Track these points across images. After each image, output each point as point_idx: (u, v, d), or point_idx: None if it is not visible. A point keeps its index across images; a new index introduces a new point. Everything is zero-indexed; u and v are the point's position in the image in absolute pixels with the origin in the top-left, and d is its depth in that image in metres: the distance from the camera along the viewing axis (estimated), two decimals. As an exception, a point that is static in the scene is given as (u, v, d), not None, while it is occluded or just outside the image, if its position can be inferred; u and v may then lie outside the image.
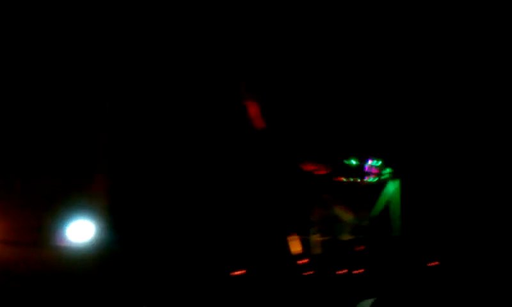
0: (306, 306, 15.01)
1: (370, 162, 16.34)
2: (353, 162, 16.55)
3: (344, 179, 16.55)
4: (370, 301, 11.22)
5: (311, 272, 15.86)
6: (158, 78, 15.27)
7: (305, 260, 15.98)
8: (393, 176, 16.51)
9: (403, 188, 16.38)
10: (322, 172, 16.51)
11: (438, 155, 16.27)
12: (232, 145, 15.89)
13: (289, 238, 16.02)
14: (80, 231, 13.52)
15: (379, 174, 16.50)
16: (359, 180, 16.45)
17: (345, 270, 16.02)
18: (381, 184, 16.67)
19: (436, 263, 15.81)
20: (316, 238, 16.33)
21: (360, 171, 16.54)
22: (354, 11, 16.09)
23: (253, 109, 16.27)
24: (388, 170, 16.53)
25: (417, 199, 16.30)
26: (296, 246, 16.12)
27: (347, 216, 16.34)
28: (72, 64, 14.27)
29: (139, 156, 14.72)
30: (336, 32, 16.33)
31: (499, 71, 15.93)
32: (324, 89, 16.58)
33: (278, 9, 16.24)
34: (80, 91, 14.16)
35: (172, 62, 15.41)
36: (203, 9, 15.58)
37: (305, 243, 16.18)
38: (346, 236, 16.40)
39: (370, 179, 16.51)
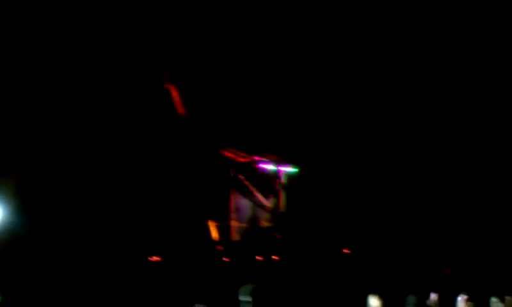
0: (223, 292, 15.14)
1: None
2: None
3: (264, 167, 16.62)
4: (250, 287, 11.30)
5: (228, 259, 15.94)
6: (79, 61, 15.08)
7: (222, 247, 16.06)
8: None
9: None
10: (243, 159, 16.54)
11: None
12: (153, 130, 15.81)
13: (207, 224, 16.08)
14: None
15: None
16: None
17: (262, 257, 16.15)
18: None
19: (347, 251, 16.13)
20: (234, 224, 16.40)
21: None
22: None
23: (175, 95, 16.19)
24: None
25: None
26: (213, 232, 16.18)
27: (266, 203, 16.43)
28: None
29: (50, 141, 14.55)
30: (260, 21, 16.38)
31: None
32: (248, 79, 16.60)
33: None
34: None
35: (95, 48, 15.23)
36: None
37: (223, 230, 16.25)
38: (264, 223, 16.51)
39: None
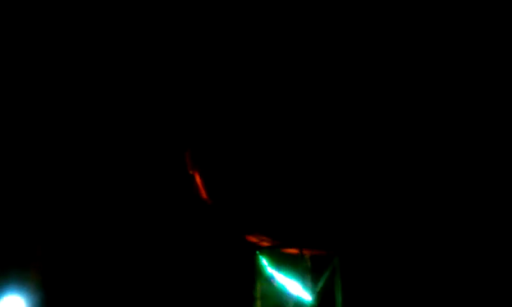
0: None
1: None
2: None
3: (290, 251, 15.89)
4: None
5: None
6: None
7: (248, 337, 15.47)
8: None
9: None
10: (267, 243, 16.01)
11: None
12: (177, 215, 16.15)
13: (231, 311, 15.66)
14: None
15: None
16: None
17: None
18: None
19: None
20: (259, 309, 15.78)
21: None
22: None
23: (199, 180, 16.41)
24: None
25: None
26: (237, 319, 15.67)
27: (293, 290, 15.57)
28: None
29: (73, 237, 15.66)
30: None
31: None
32: (271, 159, 16.25)
33: (219, 86, 16.53)
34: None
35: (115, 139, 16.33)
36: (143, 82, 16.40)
37: (247, 317, 15.68)
38: (290, 308, 15.61)
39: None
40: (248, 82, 16.43)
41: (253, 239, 16.02)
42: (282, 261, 15.88)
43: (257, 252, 15.94)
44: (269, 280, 15.79)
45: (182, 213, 16.22)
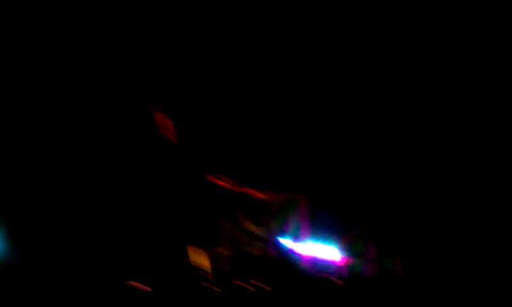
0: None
1: None
2: None
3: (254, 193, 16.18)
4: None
5: (218, 289, 15.59)
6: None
7: (211, 276, 15.71)
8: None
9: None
10: (234, 187, 16.18)
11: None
12: (139, 154, 15.77)
13: (195, 253, 15.78)
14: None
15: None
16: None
17: (253, 287, 15.71)
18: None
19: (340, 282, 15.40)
20: (225, 252, 16.03)
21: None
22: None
23: (163, 120, 16.09)
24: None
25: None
26: (202, 261, 15.86)
27: (257, 230, 15.95)
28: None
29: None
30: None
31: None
32: (241, 101, 16.29)
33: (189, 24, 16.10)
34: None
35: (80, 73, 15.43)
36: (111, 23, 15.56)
37: (213, 258, 15.90)
38: (256, 252, 16.03)
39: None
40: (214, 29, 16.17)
41: (220, 182, 16.11)
42: (248, 205, 16.19)
43: (223, 195, 16.08)
44: (234, 222, 16.06)
45: (145, 152, 15.84)
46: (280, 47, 16.00)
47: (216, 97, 16.18)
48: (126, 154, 15.72)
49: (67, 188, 15.07)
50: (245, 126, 16.24)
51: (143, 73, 15.84)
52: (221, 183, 16.07)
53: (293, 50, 16.06)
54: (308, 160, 16.17)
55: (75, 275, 14.44)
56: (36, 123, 15.12)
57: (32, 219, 14.64)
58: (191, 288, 15.35)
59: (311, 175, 16.18)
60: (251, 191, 16.24)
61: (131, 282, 14.99)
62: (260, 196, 16.17)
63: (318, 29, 15.65)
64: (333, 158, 16.19)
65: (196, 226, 15.80)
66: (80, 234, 14.83)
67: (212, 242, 15.91)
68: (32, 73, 15.17)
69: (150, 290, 14.90)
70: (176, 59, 16.06)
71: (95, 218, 15.09)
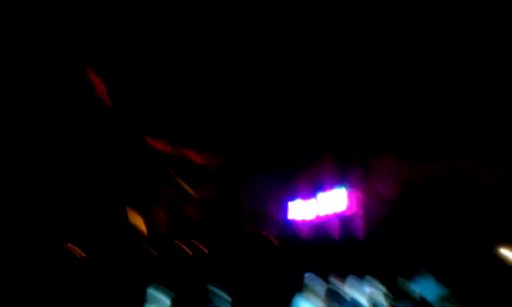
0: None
1: None
2: None
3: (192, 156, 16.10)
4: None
5: (155, 254, 15.59)
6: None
7: (148, 239, 15.72)
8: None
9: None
10: (171, 150, 16.09)
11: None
12: (76, 120, 15.65)
13: (132, 216, 15.78)
14: None
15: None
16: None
17: (191, 250, 15.72)
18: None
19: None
20: (161, 217, 16.02)
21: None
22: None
23: (98, 84, 15.93)
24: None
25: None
26: (137, 222, 15.85)
27: (194, 195, 15.92)
28: None
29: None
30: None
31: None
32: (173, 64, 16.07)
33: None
34: None
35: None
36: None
37: (149, 221, 15.91)
38: (193, 214, 16.02)
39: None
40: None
41: (157, 145, 16.02)
42: (185, 168, 16.12)
43: (160, 158, 15.98)
44: (171, 185, 15.97)
45: (79, 113, 15.66)
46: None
47: (153, 59, 15.97)
48: (60, 114, 15.58)
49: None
50: (182, 88, 16.06)
51: (76, 35, 15.65)
52: (157, 145, 15.99)
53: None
54: (242, 123, 16.01)
55: (9, 236, 14.44)
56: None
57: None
58: (128, 250, 15.33)
59: (248, 138, 16.07)
60: (187, 153, 16.16)
61: (68, 244, 15.02)
62: (197, 158, 16.10)
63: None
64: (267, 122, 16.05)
65: (132, 189, 15.75)
66: (14, 196, 14.83)
67: (148, 204, 15.87)
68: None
69: (84, 255, 14.91)
70: (111, 21, 15.80)
71: (30, 179, 15.05)
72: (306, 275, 7.02)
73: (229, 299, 6.35)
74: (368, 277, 7.83)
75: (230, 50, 15.77)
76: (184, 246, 15.63)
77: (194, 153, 16.04)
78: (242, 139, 15.94)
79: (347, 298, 7.41)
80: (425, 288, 8.43)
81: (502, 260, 13.40)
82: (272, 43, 15.74)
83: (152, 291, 5.98)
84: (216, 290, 6.39)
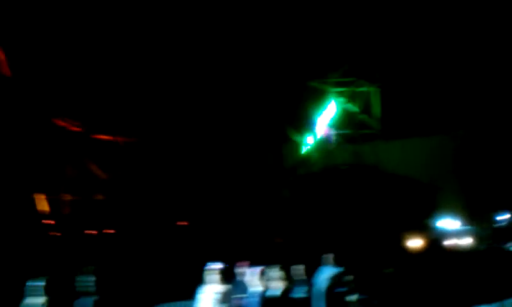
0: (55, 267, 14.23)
1: None
2: None
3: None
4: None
5: (58, 233, 15.02)
6: None
7: (52, 221, 15.11)
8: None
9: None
10: (77, 129, 15.48)
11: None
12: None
13: (36, 197, 15.08)
14: None
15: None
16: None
17: (95, 231, 15.25)
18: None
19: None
20: (66, 197, 15.43)
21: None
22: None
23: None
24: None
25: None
26: (42, 206, 15.21)
27: (101, 175, 15.42)
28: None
29: None
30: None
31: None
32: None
33: None
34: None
35: None
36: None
37: (53, 203, 15.28)
38: (99, 196, 15.53)
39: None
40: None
41: (60, 123, 15.36)
42: (92, 147, 15.58)
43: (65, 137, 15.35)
44: (77, 165, 15.41)
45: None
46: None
47: (61, 37, 15.28)
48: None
49: None
50: (90, 69, 15.47)
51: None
52: (64, 125, 15.36)
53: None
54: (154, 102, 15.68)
55: None
56: None
57: None
58: (34, 234, 14.67)
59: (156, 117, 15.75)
60: (96, 134, 15.64)
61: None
62: (105, 138, 15.60)
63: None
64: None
65: (38, 171, 15.05)
66: None
67: (54, 187, 15.25)
68: None
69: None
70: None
71: None
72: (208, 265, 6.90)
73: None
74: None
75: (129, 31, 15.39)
76: (89, 230, 15.16)
77: (102, 133, 15.53)
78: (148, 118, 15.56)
79: (244, 285, 7.39)
80: (321, 272, 8.58)
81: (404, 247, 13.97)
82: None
83: (30, 283, 5.65)
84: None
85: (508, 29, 15.41)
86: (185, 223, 15.29)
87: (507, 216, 15.64)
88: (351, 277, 9.05)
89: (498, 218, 15.79)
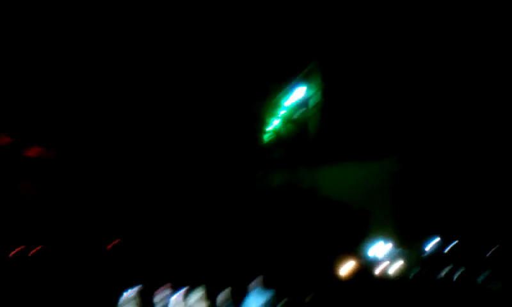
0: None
1: None
2: None
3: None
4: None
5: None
6: None
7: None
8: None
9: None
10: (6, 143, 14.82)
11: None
12: None
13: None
14: None
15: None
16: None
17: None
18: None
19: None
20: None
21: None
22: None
23: None
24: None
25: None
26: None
27: (28, 191, 14.80)
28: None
29: None
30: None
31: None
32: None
33: None
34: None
35: None
36: None
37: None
38: (24, 213, 14.88)
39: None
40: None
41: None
42: (19, 161, 14.95)
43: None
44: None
45: None
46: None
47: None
48: None
49: None
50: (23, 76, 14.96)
51: None
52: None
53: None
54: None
55: None
56: None
57: None
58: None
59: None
60: (25, 148, 15.05)
61: None
62: (35, 152, 15.02)
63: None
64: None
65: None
66: None
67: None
68: None
69: None
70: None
71: None
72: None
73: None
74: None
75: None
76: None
77: (32, 145, 14.92)
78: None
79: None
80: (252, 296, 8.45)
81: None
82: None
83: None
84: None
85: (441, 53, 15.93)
86: (116, 241, 14.82)
87: (436, 241, 16.11)
88: (284, 301, 8.93)
89: (428, 244, 16.21)
